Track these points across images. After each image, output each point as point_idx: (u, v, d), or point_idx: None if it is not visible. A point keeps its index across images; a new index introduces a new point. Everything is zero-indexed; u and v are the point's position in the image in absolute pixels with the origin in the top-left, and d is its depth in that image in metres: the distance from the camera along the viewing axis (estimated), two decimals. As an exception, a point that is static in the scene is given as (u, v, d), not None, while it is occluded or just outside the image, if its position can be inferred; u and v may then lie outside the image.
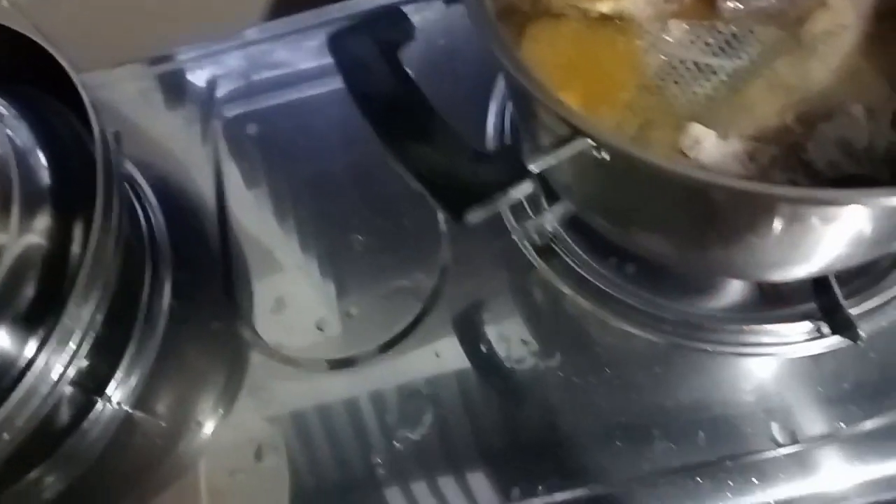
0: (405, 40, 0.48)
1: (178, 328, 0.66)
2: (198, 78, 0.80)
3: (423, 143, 0.41)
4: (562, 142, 0.39)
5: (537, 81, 0.42)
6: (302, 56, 0.79)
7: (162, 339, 0.65)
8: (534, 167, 0.39)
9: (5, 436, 0.50)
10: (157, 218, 0.71)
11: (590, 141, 0.39)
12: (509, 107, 0.69)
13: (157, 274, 0.67)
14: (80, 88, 0.59)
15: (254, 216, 0.71)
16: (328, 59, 0.47)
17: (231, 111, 0.77)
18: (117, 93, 0.80)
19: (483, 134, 0.69)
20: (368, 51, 0.45)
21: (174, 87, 0.80)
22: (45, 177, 0.59)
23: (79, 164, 0.61)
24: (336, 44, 0.47)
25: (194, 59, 0.82)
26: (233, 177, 0.73)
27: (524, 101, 0.50)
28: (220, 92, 0.79)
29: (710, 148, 0.48)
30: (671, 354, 0.59)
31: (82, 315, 0.54)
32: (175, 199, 0.73)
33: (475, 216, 0.39)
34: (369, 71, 0.44)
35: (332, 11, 0.80)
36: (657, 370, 0.59)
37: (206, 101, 0.78)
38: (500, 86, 0.70)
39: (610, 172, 0.45)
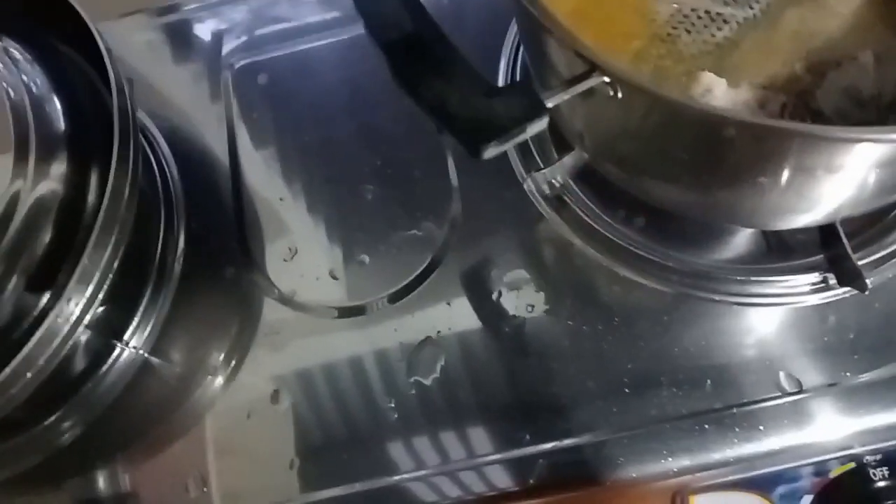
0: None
1: (193, 275, 0.66)
2: (203, 31, 0.80)
3: (438, 78, 0.40)
4: (578, 78, 0.39)
5: (554, 18, 0.42)
6: (304, 11, 0.78)
7: (177, 285, 0.65)
8: (550, 102, 0.39)
9: (27, 375, 0.50)
10: (170, 167, 0.70)
11: (605, 77, 0.39)
12: (521, 54, 0.69)
13: (171, 222, 0.67)
14: (95, 34, 0.58)
15: (266, 166, 0.71)
16: (330, 13, 0.46)
17: (239, 62, 0.77)
18: (125, 44, 0.79)
19: (495, 79, 0.68)
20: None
21: (181, 39, 0.80)
22: (60, 123, 0.58)
23: (93, 112, 0.60)
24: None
25: (199, 10, 0.81)
26: (244, 127, 0.73)
27: (539, 42, 0.49)
28: (227, 45, 0.78)
29: (720, 96, 0.49)
30: (679, 304, 0.59)
31: (99, 260, 0.54)
32: (187, 149, 0.72)
33: (491, 151, 0.39)
34: (386, 5, 0.44)
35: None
36: (665, 319, 0.59)
37: (214, 53, 0.78)
38: (511, 33, 0.69)
39: (623, 113, 0.45)
